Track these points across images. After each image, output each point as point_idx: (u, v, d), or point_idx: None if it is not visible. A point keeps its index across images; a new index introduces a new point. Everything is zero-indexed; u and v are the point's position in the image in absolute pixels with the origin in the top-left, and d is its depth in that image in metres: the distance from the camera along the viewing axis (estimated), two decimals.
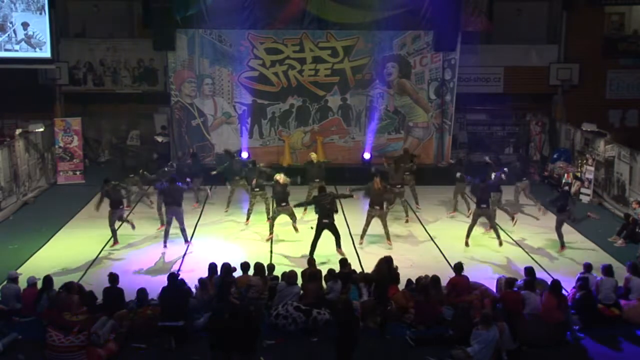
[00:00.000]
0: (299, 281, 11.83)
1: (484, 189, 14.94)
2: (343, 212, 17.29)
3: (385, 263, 11.94)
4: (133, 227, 15.18)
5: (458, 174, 17.00)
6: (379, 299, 11.39)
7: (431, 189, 18.84)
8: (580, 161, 19.56)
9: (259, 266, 11.99)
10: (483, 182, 15.18)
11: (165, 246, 14.55)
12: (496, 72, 23.19)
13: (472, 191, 15.71)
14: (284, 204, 14.97)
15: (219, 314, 10.12)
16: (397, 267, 12.11)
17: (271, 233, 15.19)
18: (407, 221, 16.79)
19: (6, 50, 19.63)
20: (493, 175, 16.01)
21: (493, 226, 15.08)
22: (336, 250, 14.01)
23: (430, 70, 21.29)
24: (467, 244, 14.89)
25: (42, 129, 19.45)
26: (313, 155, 17.70)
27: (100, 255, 14.40)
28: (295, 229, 15.26)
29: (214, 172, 17.57)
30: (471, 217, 15.07)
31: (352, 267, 12.57)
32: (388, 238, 14.87)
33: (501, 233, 15.58)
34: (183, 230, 14.74)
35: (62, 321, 10.38)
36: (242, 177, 16.94)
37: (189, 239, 14.83)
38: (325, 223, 13.98)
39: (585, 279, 11.62)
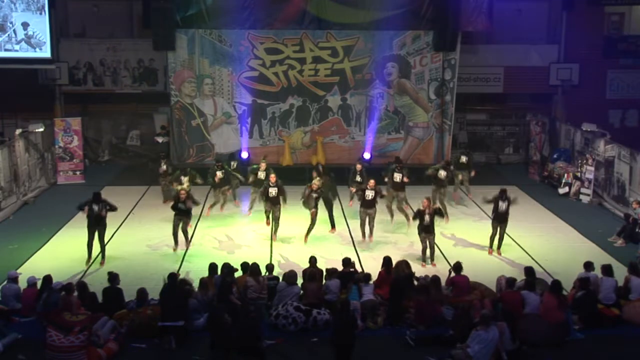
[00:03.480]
0: (299, 281, 11.84)
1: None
2: (343, 212, 17.30)
3: (405, 267, 12.06)
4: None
5: (442, 173, 17.11)
6: (395, 303, 11.39)
7: (430, 189, 18.75)
8: (580, 161, 19.54)
9: (253, 267, 11.99)
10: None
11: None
12: (496, 72, 23.18)
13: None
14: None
15: (219, 314, 10.14)
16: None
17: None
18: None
19: (6, 50, 19.61)
20: None
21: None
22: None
23: (430, 70, 21.25)
24: (490, 253, 14.62)
25: (42, 129, 19.43)
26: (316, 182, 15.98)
27: (100, 255, 14.37)
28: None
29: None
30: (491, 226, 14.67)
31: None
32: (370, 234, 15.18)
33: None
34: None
35: (62, 321, 10.38)
36: (229, 187, 17.44)
37: (104, 260, 14.02)
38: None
39: (585, 279, 11.62)
